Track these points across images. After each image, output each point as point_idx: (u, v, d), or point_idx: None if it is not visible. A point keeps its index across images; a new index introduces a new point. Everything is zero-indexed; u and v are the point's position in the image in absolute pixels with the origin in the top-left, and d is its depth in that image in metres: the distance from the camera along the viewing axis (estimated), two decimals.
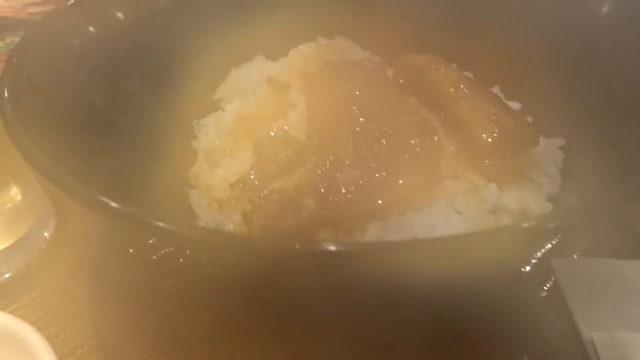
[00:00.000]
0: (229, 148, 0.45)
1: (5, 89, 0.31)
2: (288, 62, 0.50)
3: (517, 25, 0.48)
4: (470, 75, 0.50)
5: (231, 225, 0.37)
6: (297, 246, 0.22)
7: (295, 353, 0.34)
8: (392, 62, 0.51)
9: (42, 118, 0.33)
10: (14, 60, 0.32)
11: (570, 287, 0.41)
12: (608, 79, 0.41)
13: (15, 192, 0.44)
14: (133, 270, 0.42)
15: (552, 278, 0.41)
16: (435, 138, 0.36)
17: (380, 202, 0.34)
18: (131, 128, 0.42)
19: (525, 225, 0.26)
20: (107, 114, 0.40)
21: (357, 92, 0.41)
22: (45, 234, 0.46)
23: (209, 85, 0.51)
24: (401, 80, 0.46)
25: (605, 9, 0.44)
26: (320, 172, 0.35)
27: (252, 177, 0.38)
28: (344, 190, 0.34)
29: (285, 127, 0.42)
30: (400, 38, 0.53)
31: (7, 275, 0.42)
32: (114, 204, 0.25)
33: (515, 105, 0.47)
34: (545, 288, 0.40)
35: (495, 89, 0.49)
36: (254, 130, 0.45)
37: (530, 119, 0.46)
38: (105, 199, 0.25)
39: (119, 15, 0.43)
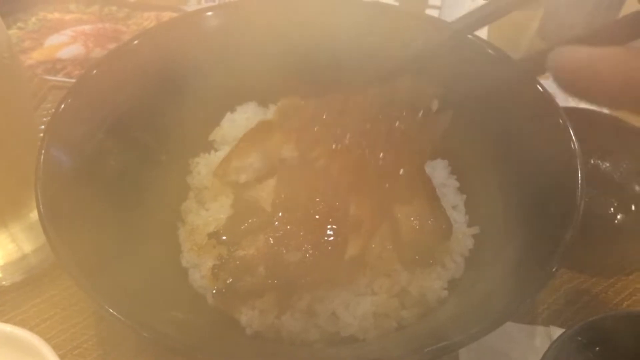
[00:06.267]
0: (215, 191, 0.55)
1: (39, 171, 0.41)
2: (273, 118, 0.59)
3: (476, 120, 0.56)
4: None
5: (201, 273, 0.48)
6: None
7: None
8: None
9: (67, 185, 0.44)
10: (43, 145, 0.42)
11: None
12: (529, 185, 0.50)
13: None
14: None
15: None
16: (362, 238, 0.46)
17: (313, 278, 0.45)
18: (136, 172, 0.53)
19: None
20: (118, 166, 0.50)
21: (319, 170, 0.50)
22: None
23: (205, 126, 0.60)
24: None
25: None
26: (273, 248, 0.46)
27: (224, 232, 0.49)
28: (287, 265, 0.45)
29: (258, 188, 0.52)
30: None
31: (33, 273, 0.55)
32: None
33: (454, 183, 0.56)
34: None
35: (444, 163, 0.58)
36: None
37: (464, 197, 0.56)
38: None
39: (127, 82, 0.52)
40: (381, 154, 0.49)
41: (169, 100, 0.57)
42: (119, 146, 0.51)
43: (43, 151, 0.41)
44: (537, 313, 0.55)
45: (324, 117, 0.54)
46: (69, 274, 0.37)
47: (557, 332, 0.52)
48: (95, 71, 0.48)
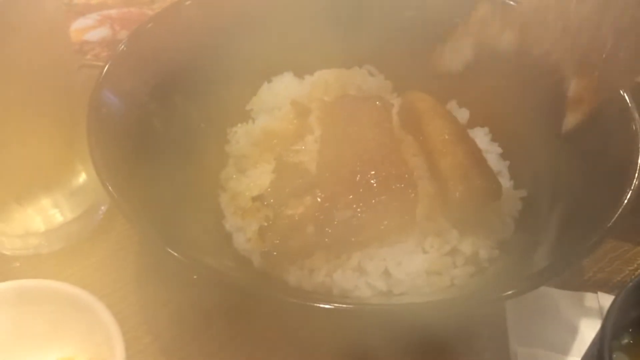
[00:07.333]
0: (255, 158, 0.55)
1: (90, 124, 0.41)
2: (311, 86, 0.58)
3: (514, 79, 0.55)
4: (467, 112, 0.59)
5: (246, 236, 0.48)
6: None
7: None
8: (401, 90, 0.60)
9: (116, 141, 0.44)
10: (95, 97, 0.42)
11: (512, 309, 0.51)
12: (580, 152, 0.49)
13: (82, 175, 0.55)
14: None
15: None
16: (414, 192, 0.45)
17: (363, 236, 0.44)
18: (177, 137, 0.52)
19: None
20: (160, 130, 0.50)
21: (363, 133, 0.50)
22: (103, 208, 0.57)
23: (242, 96, 0.60)
24: (404, 116, 0.55)
25: None
26: (321, 206, 0.45)
27: (270, 195, 0.48)
28: (337, 223, 0.44)
29: (301, 153, 0.51)
30: (413, 70, 0.61)
31: (72, 242, 0.54)
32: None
33: (496, 149, 0.56)
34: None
35: (485, 130, 0.57)
36: (277, 146, 0.54)
37: (507, 163, 0.55)
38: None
39: (174, 43, 0.52)
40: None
41: (207, 69, 0.56)
42: (162, 109, 0.51)
43: (96, 94, 0.41)
44: (583, 280, 0.54)
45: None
46: (126, 216, 0.37)
47: (605, 297, 0.51)
48: (149, 25, 0.48)
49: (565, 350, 0.48)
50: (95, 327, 0.41)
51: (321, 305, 0.32)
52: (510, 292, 0.38)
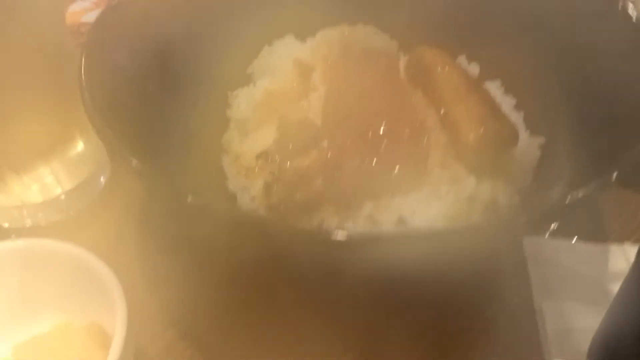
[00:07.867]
0: (257, 120, 0.52)
1: (83, 74, 0.39)
2: (314, 45, 0.56)
3: (523, 27, 0.53)
4: (477, 67, 0.56)
5: (251, 194, 0.46)
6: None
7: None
8: (407, 48, 0.58)
9: (110, 102, 0.42)
10: (89, 47, 0.40)
11: (534, 263, 0.49)
12: (596, 89, 0.47)
13: (79, 143, 0.53)
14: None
15: (522, 254, 0.49)
16: (425, 140, 0.43)
17: (374, 185, 0.42)
18: (175, 102, 0.50)
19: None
20: (157, 93, 0.48)
21: (369, 87, 0.47)
22: (102, 179, 0.55)
23: (243, 59, 0.57)
24: (412, 71, 0.52)
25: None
26: (329, 157, 0.43)
27: (274, 152, 0.46)
28: (346, 174, 0.42)
29: (305, 109, 0.49)
30: (418, 26, 0.58)
31: (71, 213, 0.52)
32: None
33: (510, 100, 0.53)
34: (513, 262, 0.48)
35: (497, 83, 0.55)
36: (280, 107, 0.52)
37: (522, 114, 0.53)
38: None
39: (172, 3, 0.50)
40: None
41: (207, 32, 0.54)
42: (159, 72, 0.48)
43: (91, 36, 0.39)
44: (608, 233, 0.51)
45: None
46: (121, 155, 0.35)
47: (631, 249, 0.49)
48: None
49: (593, 301, 0.45)
50: (98, 290, 0.39)
51: (337, 238, 0.30)
52: (524, 218, 0.36)
